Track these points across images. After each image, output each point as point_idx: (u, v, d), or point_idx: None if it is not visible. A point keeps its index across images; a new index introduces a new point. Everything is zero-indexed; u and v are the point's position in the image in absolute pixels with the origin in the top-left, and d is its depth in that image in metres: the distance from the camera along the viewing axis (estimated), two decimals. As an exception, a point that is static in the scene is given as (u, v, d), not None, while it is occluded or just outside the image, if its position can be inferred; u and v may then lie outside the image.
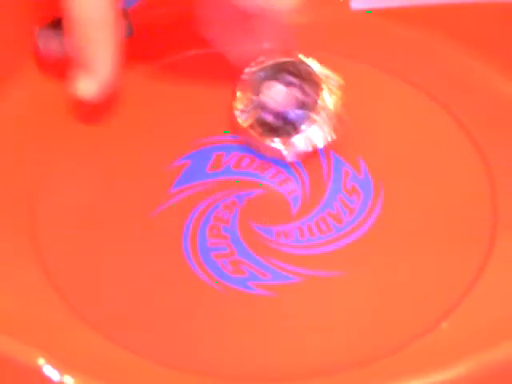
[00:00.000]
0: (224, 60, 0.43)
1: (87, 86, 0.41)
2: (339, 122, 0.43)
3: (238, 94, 0.43)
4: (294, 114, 0.43)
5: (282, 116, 0.43)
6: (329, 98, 0.43)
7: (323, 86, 0.43)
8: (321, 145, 0.43)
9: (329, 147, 0.43)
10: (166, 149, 0.44)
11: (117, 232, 0.41)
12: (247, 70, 0.44)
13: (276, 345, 0.38)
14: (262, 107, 0.43)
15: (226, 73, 0.46)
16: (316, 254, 0.41)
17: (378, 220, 0.42)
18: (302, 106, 0.43)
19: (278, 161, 0.43)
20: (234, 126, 0.44)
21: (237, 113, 0.43)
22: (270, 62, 0.44)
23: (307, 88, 0.43)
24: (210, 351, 0.37)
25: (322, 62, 0.43)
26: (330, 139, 0.43)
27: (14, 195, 0.42)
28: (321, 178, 0.43)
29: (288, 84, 0.43)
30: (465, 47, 0.48)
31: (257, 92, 0.43)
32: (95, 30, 0.39)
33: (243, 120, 0.43)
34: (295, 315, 0.39)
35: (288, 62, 0.43)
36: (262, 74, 0.43)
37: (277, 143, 0.43)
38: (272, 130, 0.43)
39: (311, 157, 0.43)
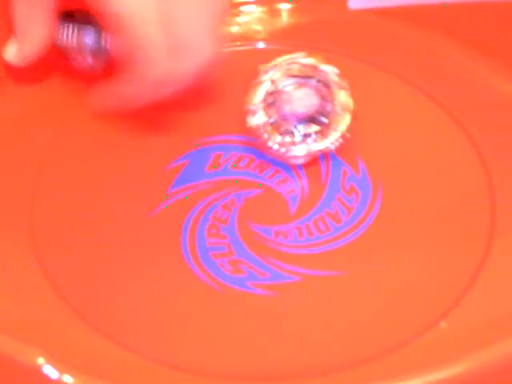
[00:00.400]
0: (223, 62, 0.44)
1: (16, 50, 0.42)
2: (348, 134, 0.43)
3: (254, 91, 0.43)
4: (306, 118, 0.42)
5: (294, 119, 0.43)
6: (341, 103, 0.42)
7: (339, 95, 0.43)
8: (327, 151, 0.43)
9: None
10: (165, 148, 0.44)
11: (116, 232, 0.41)
12: (263, 67, 0.43)
13: (275, 344, 0.38)
14: (276, 108, 0.43)
15: (226, 72, 0.46)
16: (315, 253, 0.41)
17: (377, 219, 0.42)
18: (316, 111, 0.43)
19: (276, 161, 0.43)
20: (240, 126, 0.43)
21: (248, 112, 0.43)
22: (287, 63, 0.43)
23: (323, 94, 0.43)
24: (208, 350, 0.37)
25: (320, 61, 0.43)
26: (339, 143, 0.43)
27: (14, 197, 0.42)
28: (319, 177, 0.43)
29: (304, 87, 0.43)
30: (463, 46, 0.48)
31: (272, 92, 0.43)
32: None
33: (253, 119, 0.43)
34: (294, 314, 0.39)
35: (304, 64, 0.43)
36: (278, 74, 0.43)
37: (283, 147, 0.42)
38: (281, 132, 0.43)
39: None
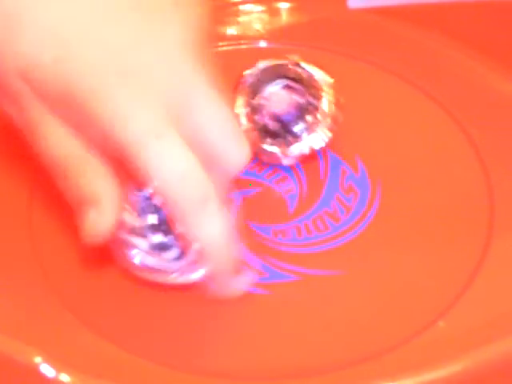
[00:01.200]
0: (223, 61, 0.43)
1: (96, 221, 0.36)
2: (336, 126, 0.43)
3: (236, 97, 0.43)
4: (292, 117, 0.43)
5: (280, 120, 0.43)
6: (327, 102, 0.43)
7: (321, 90, 0.43)
8: (318, 148, 0.43)
9: (326, 146, 0.43)
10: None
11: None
12: (246, 72, 0.44)
13: (274, 343, 0.38)
14: (261, 111, 0.43)
15: (225, 73, 0.46)
16: (313, 252, 0.41)
17: (375, 218, 0.42)
18: (301, 109, 0.43)
19: (274, 161, 0.43)
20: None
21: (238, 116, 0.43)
22: (269, 65, 0.43)
23: (306, 92, 0.43)
24: (206, 350, 0.37)
25: (318, 60, 0.43)
26: (326, 142, 0.43)
27: (12, 197, 0.42)
28: (318, 176, 0.43)
29: (287, 88, 0.43)
30: (462, 46, 0.48)
31: (255, 95, 0.43)
32: (77, 164, 0.35)
33: (241, 123, 0.43)
34: (293, 314, 0.39)
35: (286, 65, 0.43)
36: (260, 77, 0.43)
37: (274, 147, 0.43)
38: (270, 134, 0.43)
39: (308, 156, 0.43)
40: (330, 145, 0.43)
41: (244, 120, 0.43)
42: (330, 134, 0.42)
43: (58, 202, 0.42)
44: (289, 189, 0.43)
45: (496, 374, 0.35)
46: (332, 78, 0.43)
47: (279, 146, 0.43)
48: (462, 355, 0.35)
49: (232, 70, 0.45)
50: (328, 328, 0.38)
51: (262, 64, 0.43)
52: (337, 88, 0.43)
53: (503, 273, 0.39)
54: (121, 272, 0.39)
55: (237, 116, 0.43)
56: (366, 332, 0.38)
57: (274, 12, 0.51)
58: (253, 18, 0.51)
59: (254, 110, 0.43)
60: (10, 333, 0.36)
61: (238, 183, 0.43)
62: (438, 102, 0.46)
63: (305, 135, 0.42)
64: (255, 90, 0.43)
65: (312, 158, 0.43)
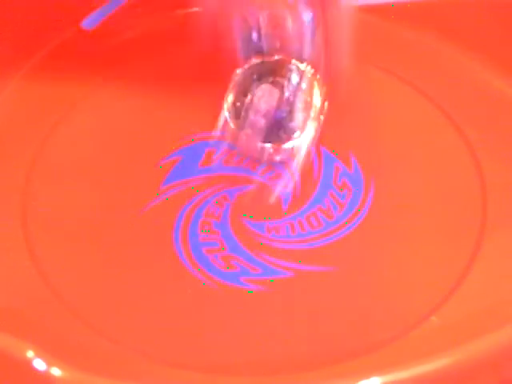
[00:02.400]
0: (219, 57, 0.44)
1: None
2: (328, 123, 0.43)
3: (228, 95, 0.43)
4: (284, 114, 0.43)
5: (272, 117, 0.43)
6: (319, 99, 0.43)
7: (313, 87, 0.43)
8: (310, 144, 0.43)
9: (319, 143, 0.43)
10: (158, 144, 0.44)
11: (108, 228, 0.41)
12: (238, 70, 0.44)
13: (268, 339, 0.38)
14: (253, 108, 0.43)
15: (220, 70, 0.46)
16: (307, 248, 0.41)
17: (369, 215, 0.42)
18: (293, 106, 0.43)
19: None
20: (223, 128, 0.44)
21: (227, 114, 0.43)
22: (260, 63, 0.44)
23: (298, 89, 0.43)
24: (200, 346, 0.37)
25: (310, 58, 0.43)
26: (318, 139, 0.43)
27: (6, 193, 0.42)
28: (312, 173, 0.43)
29: (278, 85, 0.43)
30: (456, 44, 0.49)
31: (246, 93, 0.43)
32: None
33: (233, 122, 0.43)
34: (286, 310, 0.39)
35: (278, 63, 0.43)
36: (253, 75, 0.43)
37: (267, 145, 0.43)
38: (262, 132, 0.43)
39: (301, 153, 0.43)
40: (324, 142, 0.43)
41: (236, 118, 0.43)
42: (320, 130, 0.43)
43: (51, 198, 0.43)
44: (283, 186, 0.43)
45: (487, 367, 0.35)
46: (324, 75, 0.43)
47: (272, 143, 0.43)
48: (455, 349, 0.35)
49: (225, 67, 0.45)
50: (321, 324, 0.38)
51: (254, 62, 0.43)
52: (329, 85, 0.43)
53: (495, 269, 0.39)
54: (115, 266, 0.40)
55: (228, 114, 0.43)
56: (360, 327, 0.38)
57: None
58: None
59: (246, 107, 0.43)
60: (1, 327, 0.36)
61: (233, 180, 0.43)
62: (431, 100, 0.46)
63: (297, 132, 0.42)
64: (246, 87, 0.43)
65: (306, 154, 0.43)
